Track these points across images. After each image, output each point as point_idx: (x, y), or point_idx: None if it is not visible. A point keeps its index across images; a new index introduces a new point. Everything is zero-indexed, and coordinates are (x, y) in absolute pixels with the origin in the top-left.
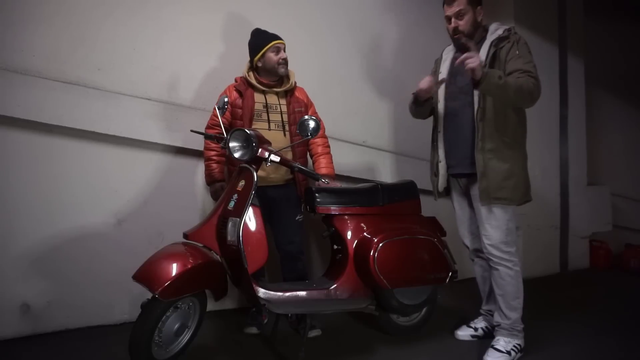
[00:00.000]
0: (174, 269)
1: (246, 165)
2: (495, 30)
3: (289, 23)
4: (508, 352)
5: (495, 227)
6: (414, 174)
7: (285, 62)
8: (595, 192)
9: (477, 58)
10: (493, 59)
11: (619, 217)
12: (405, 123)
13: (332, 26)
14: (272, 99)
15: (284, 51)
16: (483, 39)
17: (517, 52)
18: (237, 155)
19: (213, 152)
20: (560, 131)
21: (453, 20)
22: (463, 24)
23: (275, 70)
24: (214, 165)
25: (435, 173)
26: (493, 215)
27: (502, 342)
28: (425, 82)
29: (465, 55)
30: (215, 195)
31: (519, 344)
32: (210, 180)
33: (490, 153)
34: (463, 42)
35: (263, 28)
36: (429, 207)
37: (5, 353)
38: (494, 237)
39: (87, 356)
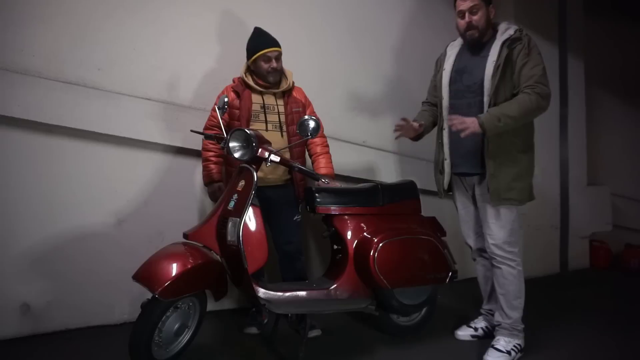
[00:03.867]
0: (174, 269)
1: (246, 165)
2: (505, 30)
3: (289, 23)
4: (508, 352)
5: (500, 226)
6: (415, 174)
7: (274, 70)
8: (595, 192)
9: (465, 124)
10: (506, 61)
11: (619, 217)
12: None
13: (332, 26)
14: (270, 100)
15: (276, 60)
16: (492, 38)
17: (528, 56)
18: (237, 155)
19: (211, 153)
20: (560, 131)
21: (467, 15)
22: (477, 19)
23: (265, 77)
24: (212, 166)
25: (440, 171)
26: (499, 215)
27: (503, 341)
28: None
29: (456, 127)
30: (213, 196)
31: (519, 344)
32: (208, 180)
33: (502, 156)
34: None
35: (264, 28)
36: (429, 207)
37: (5, 353)
38: (498, 236)
39: (87, 356)
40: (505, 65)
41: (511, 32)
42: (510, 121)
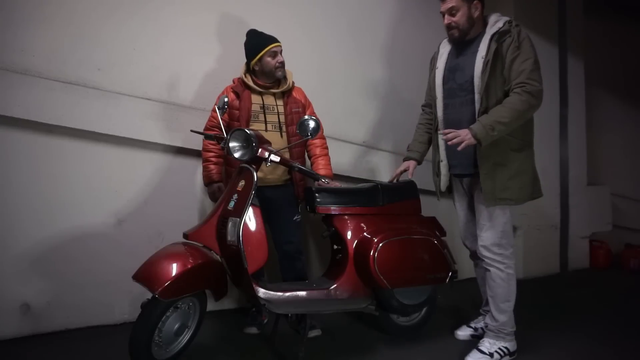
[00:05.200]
0: (174, 269)
1: (246, 165)
2: (494, 23)
3: (289, 23)
4: (491, 354)
5: (490, 227)
6: (414, 174)
7: (282, 65)
8: (595, 192)
9: (459, 137)
10: (495, 55)
11: (619, 217)
12: (405, 123)
13: (332, 26)
14: (269, 100)
15: (281, 54)
16: (482, 32)
17: (518, 49)
18: (237, 155)
19: (211, 154)
20: (560, 131)
21: (446, 16)
22: (456, 19)
23: (272, 73)
24: (212, 167)
25: (437, 173)
26: (491, 216)
27: (487, 343)
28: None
29: (449, 139)
30: (212, 197)
31: (506, 347)
32: (208, 181)
33: (496, 155)
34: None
35: (262, 28)
36: (429, 207)
37: (5, 353)
38: (488, 238)
39: (87, 356)
40: (495, 60)
41: (500, 24)
42: (504, 127)
